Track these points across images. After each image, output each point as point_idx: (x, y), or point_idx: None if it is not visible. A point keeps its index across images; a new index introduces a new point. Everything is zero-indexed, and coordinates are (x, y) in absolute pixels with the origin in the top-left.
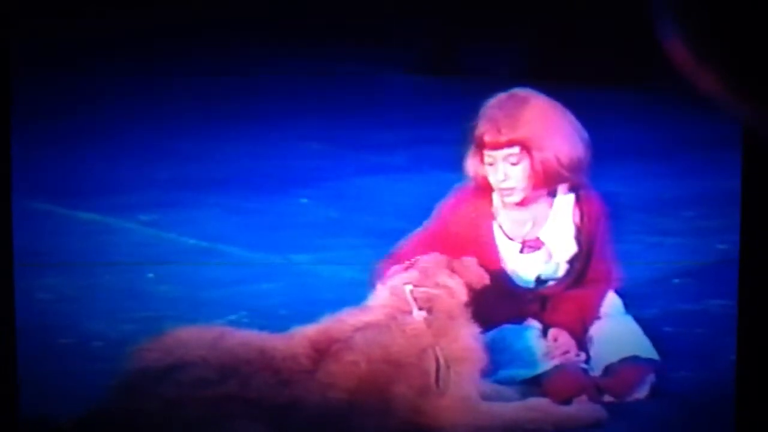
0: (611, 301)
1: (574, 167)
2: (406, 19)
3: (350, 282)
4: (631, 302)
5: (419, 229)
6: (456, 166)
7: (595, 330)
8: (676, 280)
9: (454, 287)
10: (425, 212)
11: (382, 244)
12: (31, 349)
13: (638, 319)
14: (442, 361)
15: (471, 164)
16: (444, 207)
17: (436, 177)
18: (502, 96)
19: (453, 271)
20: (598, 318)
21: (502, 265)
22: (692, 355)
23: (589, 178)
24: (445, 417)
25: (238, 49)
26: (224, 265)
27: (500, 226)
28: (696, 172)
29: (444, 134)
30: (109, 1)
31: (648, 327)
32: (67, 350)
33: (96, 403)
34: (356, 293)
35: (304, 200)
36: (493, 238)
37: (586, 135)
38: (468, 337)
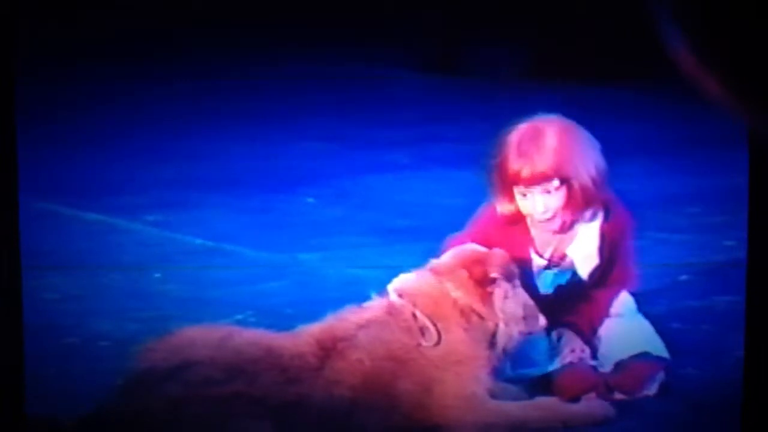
0: (623, 300)
1: (605, 182)
2: (410, 19)
3: (356, 280)
4: (638, 299)
5: (463, 230)
6: (460, 164)
7: (607, 327)
8: (684, 277)
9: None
10: (431, 210)
11: (388, 242)
12: (38, 349)
13: (646, 316)
14: (426, 321)
15: (500, 201)
16: (484, 212)
17: (442, 175)
18: (523, 129)
19: (476, 263)
20: (609, 316)
21: (535, 279)
22: (699, 351)
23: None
24: (451, 414)
25: (243, 50)
26: (230, 265)
27: (533, 241)
28: (702, 169)
29: (449, 132)
30: (113, 1)
31: (655, 324)
32: (73, 350)
33: (102, 402)
34: (362, 292)
35: (310, 199)
36: (528, 250)
37: (598, 145)
38: (462, 333)
